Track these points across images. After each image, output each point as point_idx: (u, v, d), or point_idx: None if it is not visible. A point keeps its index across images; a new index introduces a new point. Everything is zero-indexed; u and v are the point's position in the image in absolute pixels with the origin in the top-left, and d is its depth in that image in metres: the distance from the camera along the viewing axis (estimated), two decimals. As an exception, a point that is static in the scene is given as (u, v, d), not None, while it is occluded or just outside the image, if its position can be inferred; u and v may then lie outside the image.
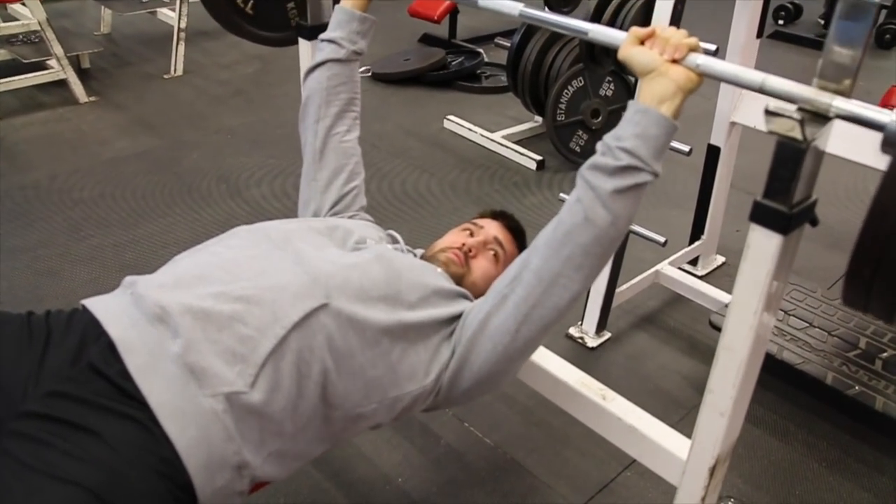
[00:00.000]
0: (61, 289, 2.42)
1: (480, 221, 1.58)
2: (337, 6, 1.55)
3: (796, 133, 0.95)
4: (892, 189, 0.84)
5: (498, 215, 1.62)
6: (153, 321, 1.07)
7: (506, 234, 1.56)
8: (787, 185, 0.99)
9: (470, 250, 1.48)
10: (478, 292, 1.42)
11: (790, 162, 0.98)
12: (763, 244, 1.05)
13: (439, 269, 1.39)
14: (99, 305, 1.12)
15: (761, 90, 1.04)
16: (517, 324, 1.20)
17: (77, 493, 0.91)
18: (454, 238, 1.52)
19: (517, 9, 1.33)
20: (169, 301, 1.08)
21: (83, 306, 1.13)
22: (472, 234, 1.52)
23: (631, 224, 1.21)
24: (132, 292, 1.13)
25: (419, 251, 1.51)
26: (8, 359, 1.05)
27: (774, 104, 0.96)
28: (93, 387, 1.01)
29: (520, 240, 1.59)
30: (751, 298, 1.09)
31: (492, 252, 1.51)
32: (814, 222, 1.07)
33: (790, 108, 0.95)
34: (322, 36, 1.56)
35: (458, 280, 1.43)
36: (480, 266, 1.48)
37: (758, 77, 1.04)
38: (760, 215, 1.03)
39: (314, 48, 1.68)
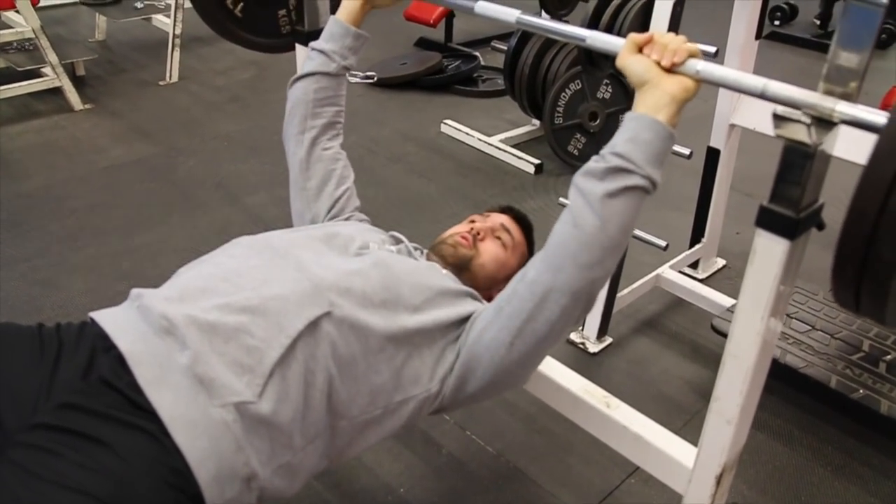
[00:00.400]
0: (58, 299, 2.39)
1: (487, 213, 1.60)
2: (332, 17, 1.54)
3: (804, 137, 0.93)
4: (870, 189, 0.83)
5: (505, 209, 1.63)
6: (161, 333, 1.07)
7: (513, 224, 1.57)
8: (794, 190, 0.98)
9: (478, 233, 1.50)
10: (487, 275, 1.46)
11: (798, 166, 0.96)
12: (769, 250, 1.03)
13: (444, 271, 1.39)
14: (107, 318, 1.12)
15: (762, 96, 1.02)
16: (511, 337, 1.19)
17: (86, 502, 0.91)
18: (461, 226, 1.54)
19: (514, 15, 1.32)
20: (175, 313, 1.09)
21: (91, 319, 1.14)
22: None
23: (627, 235, 1.16)
24: (138, 305, 1.14)
25: (426, 250, 1.51)
26: (20, 371, 1.05)
27: (782, 108, 0.95)
28: (104, 399, 1.01)
29: (528, 231, 1.60)
30: (757, 305, 1.07)
31: (499, 237, 1.52)
32: (820, 227, 1.06)
33: (798, 112, 0.94)
34: (314, 45, 1.55)
35: (466, 263, 1.45)
36: (488, 249, 1.49)
37: (759, 82, 1.02)
38: (767, 220, 1.02)
39: (311, 54, 1.66)
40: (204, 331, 1.07)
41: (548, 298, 1.14)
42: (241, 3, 1.69)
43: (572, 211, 1.13)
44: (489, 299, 1.46)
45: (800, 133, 0.94)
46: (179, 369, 1.03)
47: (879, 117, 0.91)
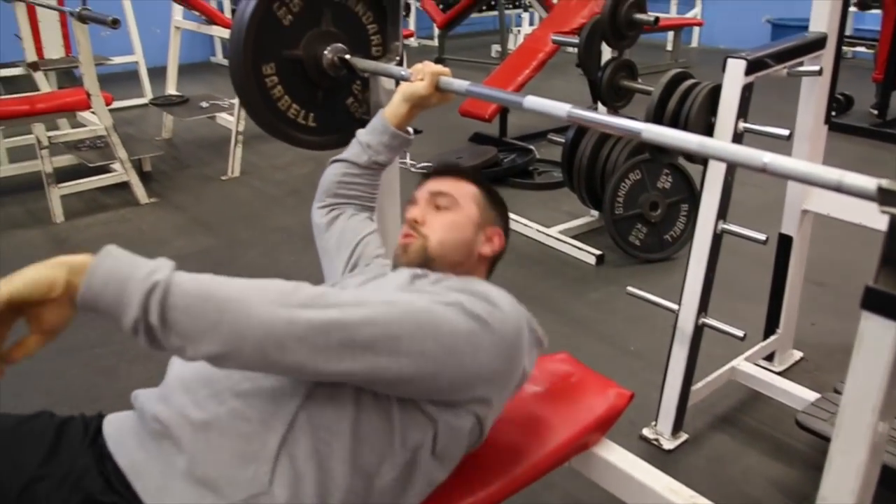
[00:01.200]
0: (117, 388, 2.38)
1: (413, 197, 1.44)
2: (380, 110, 1.55)
3: (915, 211, 0.87)
4: None
5: (423, 177, 1.47)
6: (156, 437, 1.05)
7: (440, 181, 1.40)
8: (905, 269, 0.91)
9: (415, 220, 1.35)
10: (454, 245, 1.33)
11: (908, 242, 0.90)
12: (879, 334, 0.96)
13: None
14: (111, 427, 1.11)
15: (839, 189, 0.95)
16: None
17: None
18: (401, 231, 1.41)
19: (565, 110, 1.30)
20: (167, 414, 1.06)
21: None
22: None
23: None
24: (137, 408, 1.12)
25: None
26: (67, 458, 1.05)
27: (887, 182, 0.90)
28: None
29: (460, 174, 1.43)
30: (868, 394, 0.99)
31: (437, 206, 1.36)
32: (931, 309, 0.98)
33: (909, 184, 0.88)
34: (358, 132, 1.56)
35: (423, 254, 1.31)
36: (434, 225, 1.34)
37: (834, 175, 0.95)
38: (875, 302, 0.95)
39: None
40: (198, 429, 1.03)
41: None
42: (313, 114, 1.70)
43: None
44: (480, 266, 1.39)
45: (911, 207, 0.87)
46: (180, 474, 1.00)
47: None
